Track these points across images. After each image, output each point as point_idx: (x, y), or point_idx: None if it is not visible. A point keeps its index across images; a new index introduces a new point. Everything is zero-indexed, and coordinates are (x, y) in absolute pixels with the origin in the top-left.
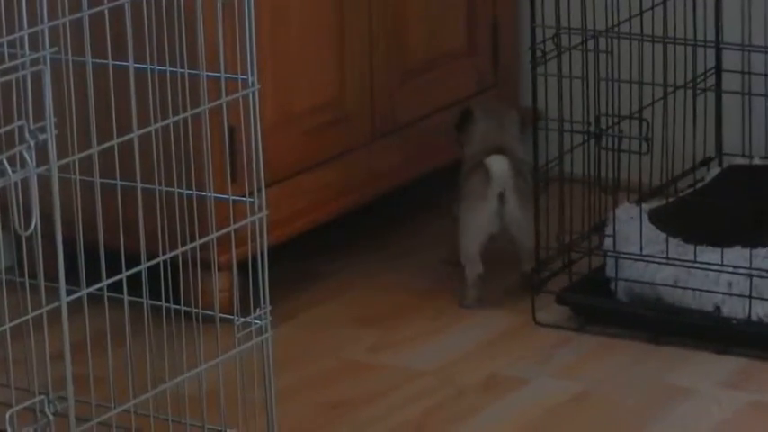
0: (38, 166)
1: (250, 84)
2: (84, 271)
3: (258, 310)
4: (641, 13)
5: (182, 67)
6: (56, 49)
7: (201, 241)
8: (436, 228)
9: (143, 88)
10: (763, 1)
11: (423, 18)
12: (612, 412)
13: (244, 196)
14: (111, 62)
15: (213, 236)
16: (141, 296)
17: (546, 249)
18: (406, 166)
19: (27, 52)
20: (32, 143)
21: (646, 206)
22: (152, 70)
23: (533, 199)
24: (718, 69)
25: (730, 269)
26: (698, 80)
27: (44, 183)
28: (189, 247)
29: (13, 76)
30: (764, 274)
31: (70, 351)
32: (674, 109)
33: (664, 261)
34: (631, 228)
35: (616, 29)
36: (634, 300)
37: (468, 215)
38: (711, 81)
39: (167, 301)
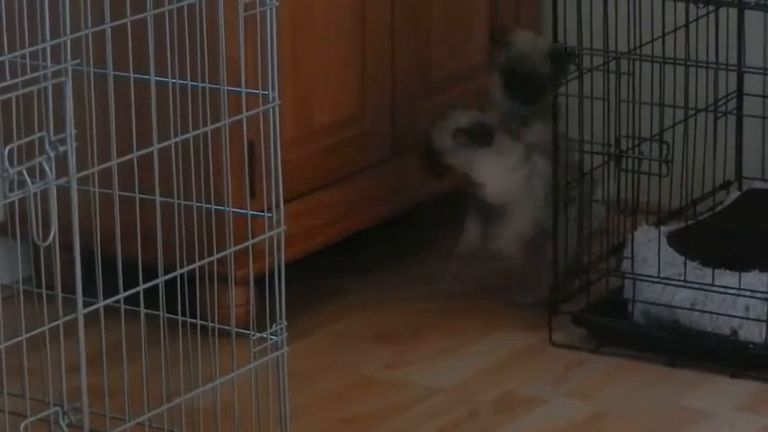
0: (57, 177)
1: (271, 99)
2: (101, 283)
3: (274, 325)
4: (663, 36)
5: (203, 82)
6: (78, 61)
7: (219, 255)
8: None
9: (164, 101)
10: None
11: (445, 34)
12: None
13: (262, 211)
14: (132, 75)
15: (231, 250)
16: (158, 309)
17: (564, 270)
18: (426, 183)
19: (49, 64)
20: (52, 154)
21: (665, 228)
22: (173, 84)
23: (552, 220)
24: (740, 93)
25: (748, 293)
26: (719, 103)
27: (63, 194)
28: (207, 261)
29: (34, 88)
30: None
31: (86, 363)
32: (695, 132)
33: (681, 284)
34: (650, 250)
35: (638, 51)
36: (651, 322)
37: None
38: (732, 104)
39: (184, 314)
